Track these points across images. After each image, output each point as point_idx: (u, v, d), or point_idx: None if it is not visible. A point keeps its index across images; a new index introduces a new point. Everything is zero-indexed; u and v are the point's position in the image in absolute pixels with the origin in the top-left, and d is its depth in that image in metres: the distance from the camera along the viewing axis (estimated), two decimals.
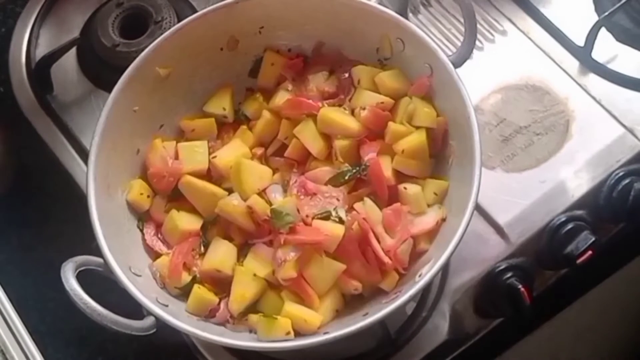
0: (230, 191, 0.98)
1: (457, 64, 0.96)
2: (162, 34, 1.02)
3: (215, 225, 0.99)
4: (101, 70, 1.19)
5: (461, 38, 1.00)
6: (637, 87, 1.13)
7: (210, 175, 1.01)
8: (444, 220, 0.94)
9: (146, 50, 1.00)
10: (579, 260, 1.03)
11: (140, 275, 0.94)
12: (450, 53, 0.98)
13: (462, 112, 0.92)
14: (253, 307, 0.94)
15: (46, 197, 1.17)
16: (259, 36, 1.06)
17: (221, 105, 1.05)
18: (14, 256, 1.13)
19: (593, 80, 1.14)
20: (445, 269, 1.04)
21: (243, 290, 0.93)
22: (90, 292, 0.85)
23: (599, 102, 1.12)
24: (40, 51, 1.23)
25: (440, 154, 0.99)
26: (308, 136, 1.00)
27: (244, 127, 1.04)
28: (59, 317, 1.08)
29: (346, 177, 0.97)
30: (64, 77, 1.21)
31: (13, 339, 0.96)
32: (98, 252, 0.90)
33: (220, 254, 0.96)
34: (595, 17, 1.16)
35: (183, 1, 1.24)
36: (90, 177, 0.94)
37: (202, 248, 0.98)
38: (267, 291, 0.94)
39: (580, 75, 1.14)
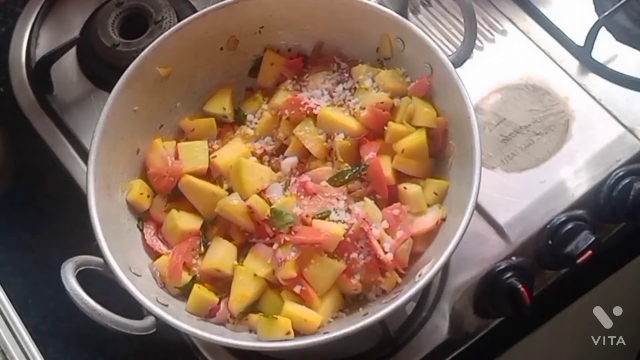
0: (230, 191, 0.98)
1: (457, 63, 0.96)
2: (162, 34, 1.02)
3: (215, 225, 0.99)
4: (101, 70, 1.19)
5: (461, 38, 1.00)
6: (637, 87, 1.13)
7: (210, 175, 1.01)
8: (443, 220, 0.94)
9: (146, 50, 1.00)
10: (579, 260, 1.03)
11: (140, 275, 0.94)
12: (450, 53, 0.98)
13: (462, 112, 0.92)
14: (253, 307, 0.94)
15: (46, 197, 1.17)
16: (259, 36, 1.06)
17: (221, 105, 1.05)
18: (14, 256, 1.13)
19: (593, 80, 1.14)
20: (445, 269, 1.04)
21: (243, 290, 0.93)
22: (90, 292, 0.85)
23: (599, 102, 1.12)
24: (40, 51, 1.23)
25: (440, 153, 0.99)
26: (308, 136, 1.00)
27: (244, 127, 1.05)
28: (59, 317, 1.08)
29: (346, 177, 0.97)
30: (64, 77, 1.21)
31: (13, 339, 0.96)
32: (98, 252, 0.90)
33: (220, 254, 0.96)
34: (595, 17, 1.16)
35: (183, 1, 1.24)
36: (90, 177, 0.94)
37: (202, 248, 0.98)
38: (267, 291, 0.94)
39: (580, 75, 1.15)
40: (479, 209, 1.05)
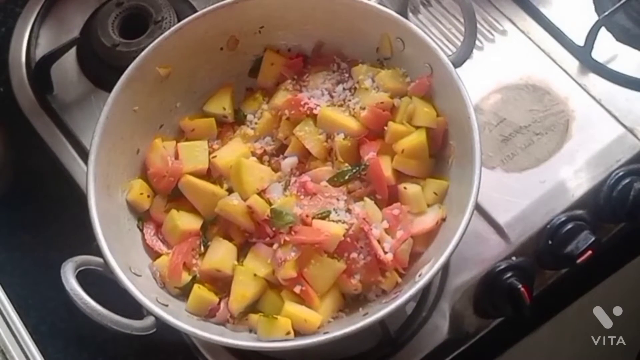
0: (230, 191, 0.98)
1: (457, 63, 0.96)
2: (162, 34, 1.02)
3: (215, 225, 0.99)
4: (101, 70, 1.19)
5: (461, 38, 1.00)
6: (637, 87, 1.13)
7: (210, 175, 1.01)
8: (443, 220, 0.94)
9: (146, 50, 1.00)
10: (579, 260, 1.03)
11: (140, 275, 0.94)
12: (450, 53, 0.98)
13: (462, 112, 0.92)
14: (253, 307, 0.94)
15: (46, 197, 1.17)
16: (258, 36, 1.06)
17: (221, 105, 1.05)
18: (14, 256, 1.13)
19: (593, 80, 1.14)
20: (445, 269, 1.04)
21: (243, 290, 0.93)
22: (90, 292, 0.85)
23: (599, 102, 1.12)
24: (40, 51, 1.23)
25: (440, 153, 0.99)
26: (308, 136, 1.00)
27: (244, 127, 1.05)
28: (59, 317, 1.08)
29: (346, 177, 0.97)
30: (64, 77, 1.21)
31: (13, 339, 0.96)
32: (98, 252, 0.90)
33: (220, 254, 0.96)
34: (595, 17, 1.16)
35: (183, 1, 1.24)
36: (90, 177, 0.94)
37: (202, 248, 0.98)
38: (267, 291, 0.94)
39: (580, 75, 1.15)
40: (479, 209, 1.05)
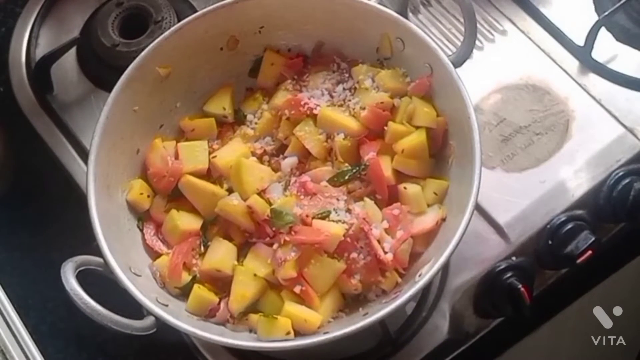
0: (230, 191, 0.98)
1: (457, 63, 0.96)
2: (162, 34, 1.02)
3: (215, 225, 0.99)
4: (101, 70, 1.19)
5: (461, 38, 1.00)
6: (637, 87, 1.13)
7: (210, 175, 1.01)
8: (443, 220, 0.94)
9: (146, 50, 1.00)
10: (579, 260, 1.03)
11: (140, 275, 0.94)
12: (450, 53, 0.98)
13: (462, 111, 0.92)
14: (253, 307, 0.94)
15: (46, 197, 1.17)
16: (258, 36, 1.06)
17: (221, 105, 1.05)
18: (14, 256, 1.13)
19: (593, 80, 1.14)
20: (445, 269, 1.04)
21: (243, 290, 0.93)
22: (90, 292, 0.85)
23: (599, 102, 1.12)
24: (40, 51, 1.23)
25: (440, 153, 0.99)
26: (308, 136, 1.00)
27: (244, 127, 1.05)
28: (59, 317, 1.08)
29: (346, 177, 0.97)
30: (64, 77, 1.21)
31: (13, 339, 0.96)
32: (98, 252, 0.90)
33: (220, 254, 0.96)
34: (595, 17, 1.16)
35: (183, 1, 1.24)
36: (90, 177, 0.94)
37: (202, 248, 0.98)
38: (267, 291, 0.94)
39: (580, 75, 1.15)
40: (479, 209, 1.05)
